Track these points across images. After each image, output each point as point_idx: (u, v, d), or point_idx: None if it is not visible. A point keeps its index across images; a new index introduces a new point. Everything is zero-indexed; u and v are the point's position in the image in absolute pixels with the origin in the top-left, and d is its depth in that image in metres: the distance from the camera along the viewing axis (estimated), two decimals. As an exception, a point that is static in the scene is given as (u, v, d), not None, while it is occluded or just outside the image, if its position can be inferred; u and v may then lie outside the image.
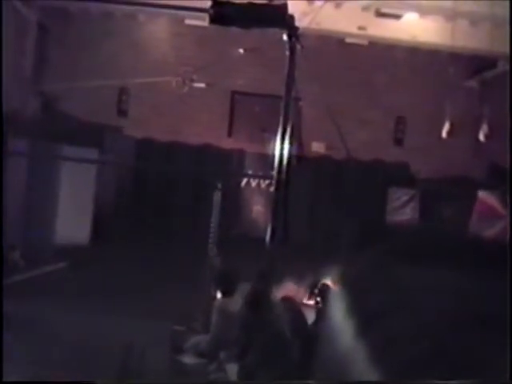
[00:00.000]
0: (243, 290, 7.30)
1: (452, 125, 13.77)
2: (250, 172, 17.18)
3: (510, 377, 0.81)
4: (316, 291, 8.88)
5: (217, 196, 8.77)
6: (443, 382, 0.76)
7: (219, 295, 7.35)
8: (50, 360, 6.18)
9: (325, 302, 6.33)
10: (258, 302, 6.03)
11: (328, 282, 7.42)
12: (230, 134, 17.49)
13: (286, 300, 7.42)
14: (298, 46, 4.64)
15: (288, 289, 8.33)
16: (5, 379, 4.60)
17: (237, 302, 7.16)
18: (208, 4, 4.66)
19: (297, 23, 4.66)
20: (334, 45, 16.54)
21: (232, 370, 6.35)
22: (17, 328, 5.58)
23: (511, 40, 11.21)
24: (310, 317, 7.13)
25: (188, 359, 6.97)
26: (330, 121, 6.55)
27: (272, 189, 4.85)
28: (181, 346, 7.26)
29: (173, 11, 15.11)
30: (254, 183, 17.21)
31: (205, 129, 16.96)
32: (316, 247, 11.73)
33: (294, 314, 6.86)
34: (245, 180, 17.38)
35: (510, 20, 11.33)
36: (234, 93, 17.36)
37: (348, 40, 16.32)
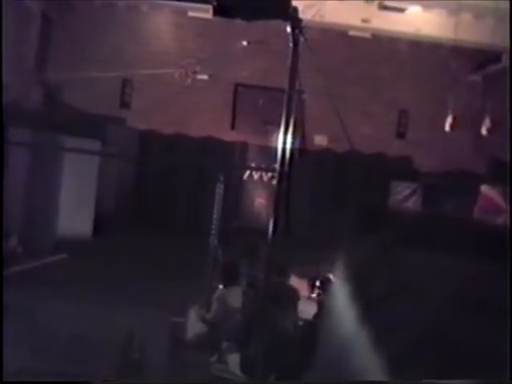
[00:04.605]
0: (244, 281, 7.33)
1: (455, 119, 13.75)
2: (252, 164, 17.18)
3: (510, 377, 0.80)
4: (318, 283, 8.92)
5: (219, 188, 8.76)
6: (443, 381, 0.76)
7: (221, 286, 7.37)
8: (48, 350, 6.20)
9: (327, 293, 6.35)
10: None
11: (330, 274, 7.44)
12: (232, 127, 17.46)
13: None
14: (302, 39, 4.63)
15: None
16: (6, 369, 4.62)
17: (238, 293, 7.18)
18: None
19: (300, 15, 4.65)
20: (338, 37, 16.50)
21: (234, 361, 6.37)
22: (15, 318, 5.59)
23: (511, 36, 11.21)
24: (313, 309, 7.16)
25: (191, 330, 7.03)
26: (332, 114, 6.54)
27: (274, 181, 4.85)
28: (180, 338, 7.29)
29: (176, 3, 15.11)
30: (256, 176, 17.21)
31: (207, 121, 16.94)
32: (317, 240, 11.73)
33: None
34: (247, 172, 17.39)
35: (510, 17, 11.31)
36: (237, 85, 17.31)
37: (351, 33, 16.28)
